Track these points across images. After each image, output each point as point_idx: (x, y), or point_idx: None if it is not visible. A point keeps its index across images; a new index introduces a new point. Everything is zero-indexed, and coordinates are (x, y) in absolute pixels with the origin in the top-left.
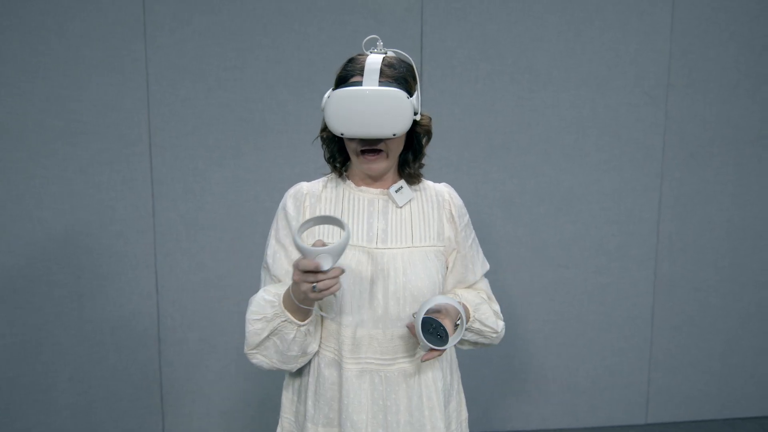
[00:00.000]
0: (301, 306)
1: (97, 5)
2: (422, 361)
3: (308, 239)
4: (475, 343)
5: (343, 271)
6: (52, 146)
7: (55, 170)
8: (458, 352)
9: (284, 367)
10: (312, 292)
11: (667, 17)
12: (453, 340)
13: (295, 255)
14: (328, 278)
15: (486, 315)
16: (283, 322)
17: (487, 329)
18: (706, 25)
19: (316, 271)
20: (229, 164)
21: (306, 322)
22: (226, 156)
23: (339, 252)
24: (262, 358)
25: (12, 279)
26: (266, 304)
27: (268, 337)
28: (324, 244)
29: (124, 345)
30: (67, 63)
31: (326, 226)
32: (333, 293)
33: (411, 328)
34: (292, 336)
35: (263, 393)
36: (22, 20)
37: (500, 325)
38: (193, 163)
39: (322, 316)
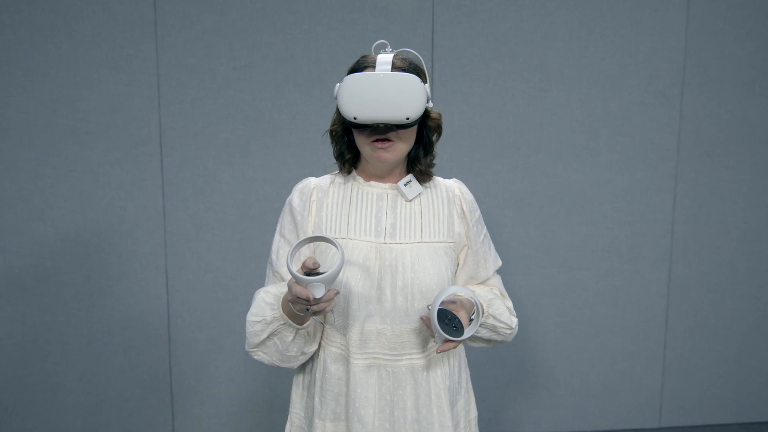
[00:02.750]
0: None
1: (106, 5)
2: (437, 353)
3: (306, 251)
4: (489, 341)
5: (338, 293)
6: (61, 146)
7: (64, 170)
8: (468, 351)
9: (283, 365)
10: (306, 312)
11: (682, 14)
12: (469, 331)
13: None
14: (322, 302)
15: (500, 311)
16: (282, 325)
17: (502, 325)
18: (721, 23)
19: (308, 300)
20: (239, 164)
21: (305, 325)
22: (236, 155)
23: (332, 279)
24: (263, 356)
25: (21, 279)
26: (266, 306)
27: (268, 337)
28: (315, 262)
29: (134, 345)
30: (76, 63)
31: (328, 224)
32: (328, 312)
33: (426, 320)
34: (291, 338)
35: (272, 393)
36: (32, 20)
37: (514, 321)
38: (202, 162)
39: (332, 315)
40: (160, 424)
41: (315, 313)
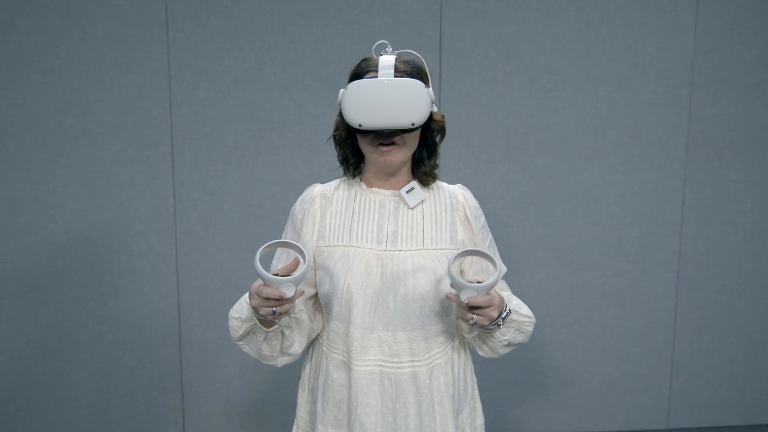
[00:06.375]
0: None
1: (118, 8)
2: (468, 323)
3: (282, 255)
4: (509, 344)
5: (302, 293)
6: (73, 147)
7: (76, 170)
8: (475, 356)
9: (264, 362)
10: (271, 315)
11: (690, 15)
12: (495, 277)
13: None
14: (289, 303)
15: (518, 304)
16: (253, 325)
17: (525, 318)
18: (730, 23)
19: (280, 299)
20: (248, 164)
21: (272, 329)
22: (245, 156)
23: (301, 280)
24: (248, 349)
25: (33, 278)
26: (245, 306)
27: (245, 334)
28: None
29: (144, 344)
30: (89, 65)
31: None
32: (289, 314)
33: (451, 296)
34: (262, 338)
35: (280, 393)
36: (45, 23)
37: (531, 313)
38: (213, 163)
39: (334, 322)
40: (170, 422)
41: (279, 315)
